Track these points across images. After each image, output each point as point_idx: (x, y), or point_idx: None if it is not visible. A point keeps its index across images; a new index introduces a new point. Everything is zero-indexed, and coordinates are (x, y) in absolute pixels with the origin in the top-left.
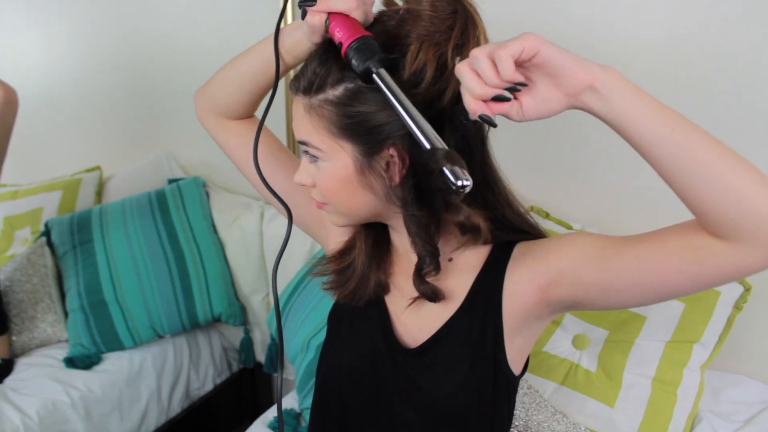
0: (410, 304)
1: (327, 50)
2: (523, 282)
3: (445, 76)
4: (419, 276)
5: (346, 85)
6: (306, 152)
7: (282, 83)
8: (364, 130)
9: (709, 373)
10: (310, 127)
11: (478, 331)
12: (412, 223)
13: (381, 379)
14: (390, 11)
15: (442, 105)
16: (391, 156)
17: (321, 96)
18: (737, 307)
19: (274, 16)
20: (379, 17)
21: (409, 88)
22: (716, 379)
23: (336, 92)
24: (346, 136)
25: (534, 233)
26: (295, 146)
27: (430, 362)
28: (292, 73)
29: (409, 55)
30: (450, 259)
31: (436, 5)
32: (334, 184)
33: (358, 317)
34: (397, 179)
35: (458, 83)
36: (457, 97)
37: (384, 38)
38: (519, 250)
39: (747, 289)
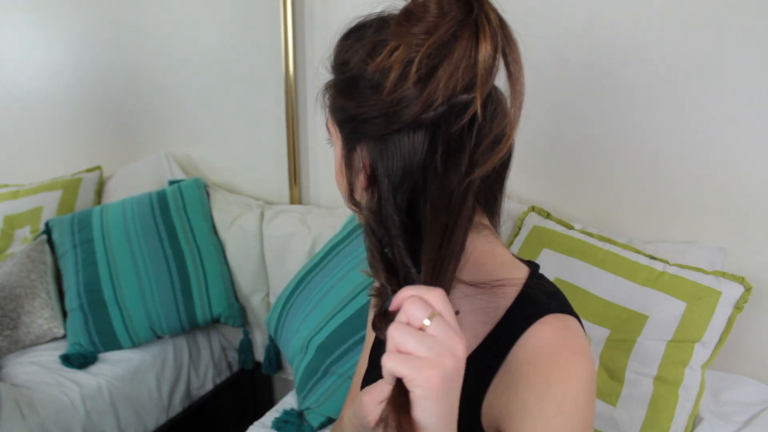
0: None
1: (350, 32)
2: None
3: (410, 82)
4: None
5: (340, 75)
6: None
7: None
8: (341, 120)
9: (709, 373)
10: (324, 108)
11: (462, 411)
12: (367, 237)
13: None
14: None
15: (408, 114)
16: (363, 158)
17: (330, 79)
18: (738, 307)
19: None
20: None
21: (371, 92)
22: (716, 379)
23: (335, 78)
24: (337, 124)
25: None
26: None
27: None
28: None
29: (385, 51)
30: (457, 312)
31: (443, 3)
32: (336, 170)
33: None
34: (364, 183)
35: (432, 93)
36: (437, 108)
37: (380, 35)
38: (535, 333)
39: (747, 290)
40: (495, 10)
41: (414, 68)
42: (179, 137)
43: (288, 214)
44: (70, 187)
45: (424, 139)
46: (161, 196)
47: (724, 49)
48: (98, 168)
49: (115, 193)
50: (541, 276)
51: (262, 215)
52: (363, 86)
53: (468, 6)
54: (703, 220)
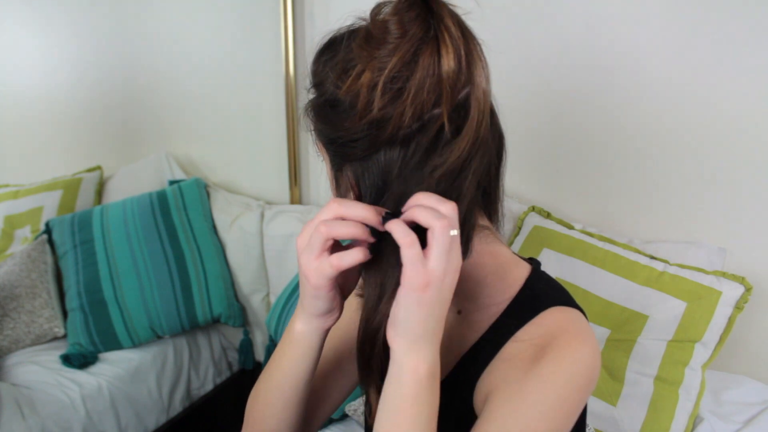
0: None
1: (325, 49)
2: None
3: (379, 104)
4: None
5: (317, 97)
6: None
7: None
8: (324, 142)
9: (709, 373)
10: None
11: (460, 403)
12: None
13: None
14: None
15: (385, 134)
16: (351, 178)
17: (309, 98)
18: (738, 307)
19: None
20: (354, 32)
21: (345, 116)
22: (717, 379)
23: (312, 98)
24: (322, 143)
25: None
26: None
27: None
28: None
29: (354, 73)
30: (459, 312)
31: (403, 22)
32: (329, 185)
33: None
34: None
35: (400, 115)
36: (411, 125)
37: (350, 54)
38: (537, 322)
39: (748, 290)
40: (456, 22)
41: (379, 92)
42: (179, 137)
43: (288, 214)
44: (70, 187)
45: (399, 154)
46: (161, 196)
47: (722, 49)
48: (98, 168)
49: (116, 193)
50: (544, 272)
51: (262, 215)
52: (338, 110)
53: (426, 23)
54: (703, 220)
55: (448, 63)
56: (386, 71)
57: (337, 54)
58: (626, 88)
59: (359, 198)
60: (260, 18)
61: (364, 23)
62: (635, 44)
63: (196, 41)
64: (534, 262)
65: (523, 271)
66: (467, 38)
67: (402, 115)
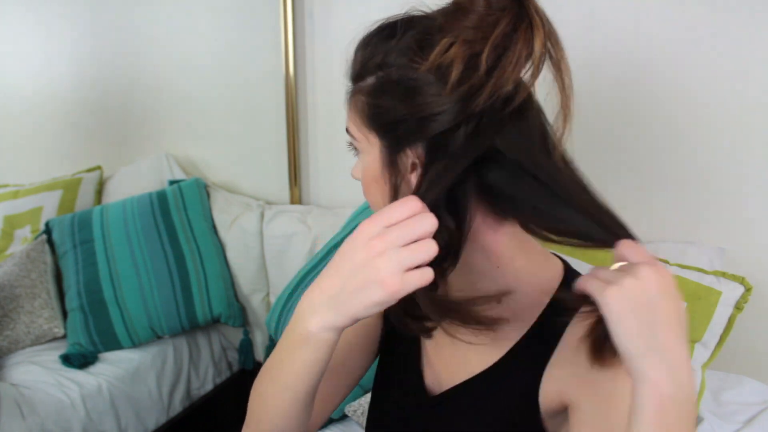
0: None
1: (375, 34)
2: (563, 382)
3: (479, 75)
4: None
5: (378, 74)
6: (350, 143)
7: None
8: (386, 123)
9: (709, 374)
10: (349, 115)
11: (513, 395)
12: None
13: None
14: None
15: (475, 105)
16: (415, 157)
17: (359, 84)
18: (738, 307)
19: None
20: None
21: (430, 90)
22: (717, 379)
23: (368, 82)
24: (373, 128)
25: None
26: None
27: (448, 415)
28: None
29: (438, 48)
30: (498, 300)
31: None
32: (367, 179)
33: (400, 355)
34: (417, 183)
35: (498, 83)
36: (498, 99)
37: (423, 33)
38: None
39: (748, 290)
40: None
41: (483, 61)
42: (179, 137)
43: (288, 214)
44: (70, 187)
45: (474, 129)
46: (161, 196)
47: (725, 48)
48: (98, 168)
49: (116, 193)
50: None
51: (262, 215)
52: (416, 85)
53: (519, 0)
54: (703, 220)
55: (540, 38)
56: (491, 41)
57: (400, 36)
58: (626, 86)
59: (422, 179)
60: (260, 18)
61: (420, 13)
62: (636, 44)
63: (196, 41)
64: (561, 258)
65: (557, 263)
66: (549, 23)
67: (500, 86)
